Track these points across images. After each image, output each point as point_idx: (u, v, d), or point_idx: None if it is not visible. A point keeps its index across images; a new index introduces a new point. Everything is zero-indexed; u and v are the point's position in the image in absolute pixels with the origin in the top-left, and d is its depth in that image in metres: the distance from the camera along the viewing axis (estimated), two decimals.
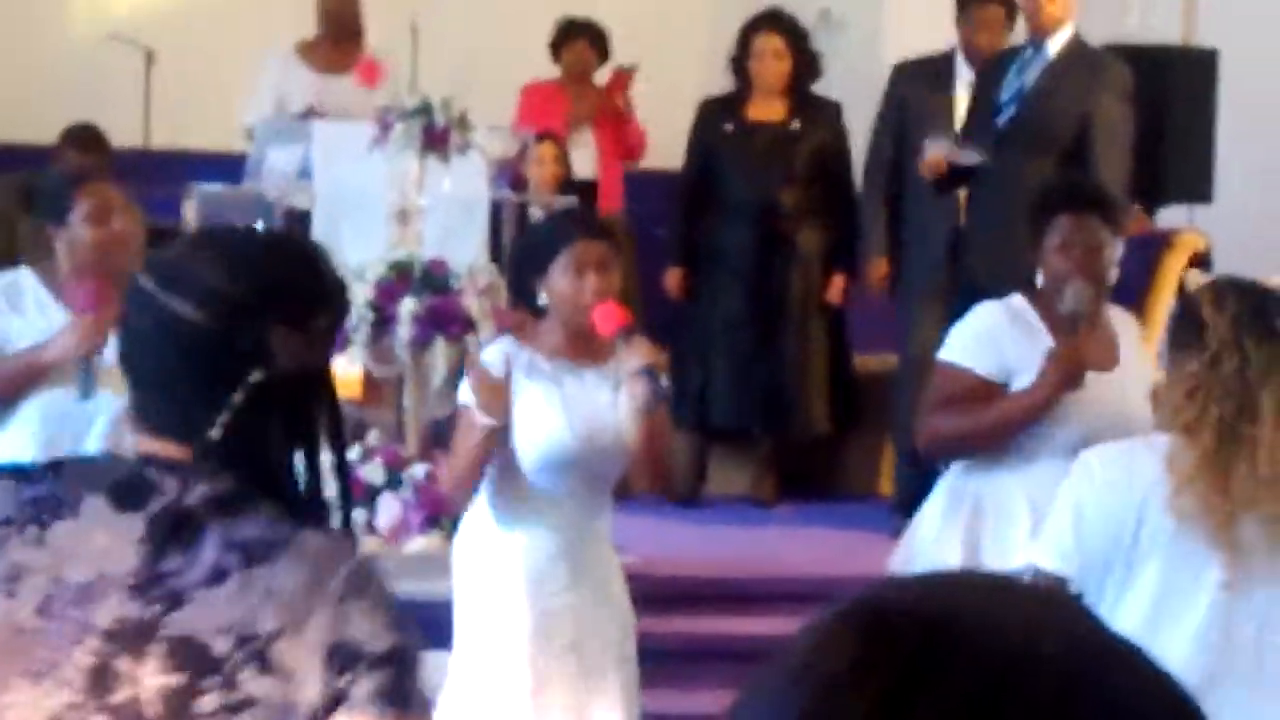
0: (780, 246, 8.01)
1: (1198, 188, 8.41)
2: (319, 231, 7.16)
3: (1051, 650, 0.98)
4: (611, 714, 4.55)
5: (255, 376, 2.20)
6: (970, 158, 6.99)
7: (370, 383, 6.86)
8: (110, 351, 4.10)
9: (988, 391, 4.63)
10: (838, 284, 8.09)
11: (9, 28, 10.47)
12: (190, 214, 7.16)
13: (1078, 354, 4.54)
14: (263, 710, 2.07)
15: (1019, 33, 7.73)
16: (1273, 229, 8.97)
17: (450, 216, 6.69)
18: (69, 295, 4.53)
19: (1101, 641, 1.01)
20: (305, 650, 2.08)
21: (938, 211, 7.44)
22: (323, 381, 2.31)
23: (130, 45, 9.83)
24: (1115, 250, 4.71)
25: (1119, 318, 4.87)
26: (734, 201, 8.03)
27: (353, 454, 6.24)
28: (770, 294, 8.01)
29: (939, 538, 4.74)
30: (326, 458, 2.30)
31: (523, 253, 4.88)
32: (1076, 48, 7.21)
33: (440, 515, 6.08)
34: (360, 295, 6.25)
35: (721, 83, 8.34)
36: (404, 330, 6.23)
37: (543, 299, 4.57)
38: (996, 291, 4.85)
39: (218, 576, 2.11)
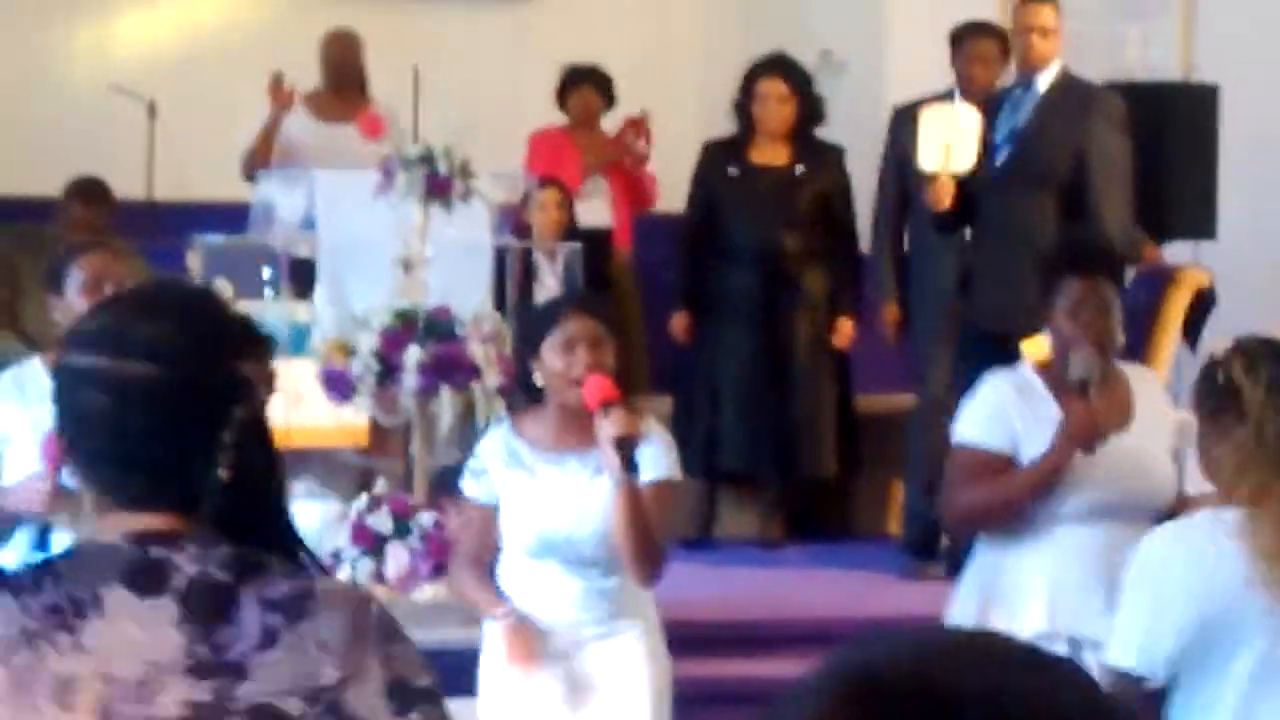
0: (785, 290, 8.00)
1: (1201, 224, 8.40)
2: (324, 280, 7.17)
3: None
4: None
5: (240, 412, 2.15)
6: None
7: (377, 431, 6.85)
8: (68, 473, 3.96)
9: (1002, 465, 4.65)
10: (845, 329, 8.07)
11: (11, 79, 10.49)
12: (194, 265, 7.16)
13: (1089, 418, 4.55)
14: None
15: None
16: (1277, 263, 8.98)
17: (454, 264, 6.68)
18: (45, 447, 4.35)
19: (1106, 709, 1.00)
20: (370, 694, 2.10)
21: (944, 254, 7.42)
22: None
23: (132, 97, 9.84)
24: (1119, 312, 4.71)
25: (1136, 375, 4.87)
26: (738, 245, 8.02)
27: (360, 503, 6.23)
28: (776, 337, 8.00)
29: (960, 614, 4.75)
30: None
31: (519, 337, 4.86)
32: (1066, 81, 7.23)
33: (448, 563, 6.07)
34: (365, 344, 6.25)
35: (722, 127, 8.35)
36: (409, 379, 6.22)
37: (538, 379, 4.54)
38: (1003, 332, 4.83)
39: (268, 639, 2.08)
